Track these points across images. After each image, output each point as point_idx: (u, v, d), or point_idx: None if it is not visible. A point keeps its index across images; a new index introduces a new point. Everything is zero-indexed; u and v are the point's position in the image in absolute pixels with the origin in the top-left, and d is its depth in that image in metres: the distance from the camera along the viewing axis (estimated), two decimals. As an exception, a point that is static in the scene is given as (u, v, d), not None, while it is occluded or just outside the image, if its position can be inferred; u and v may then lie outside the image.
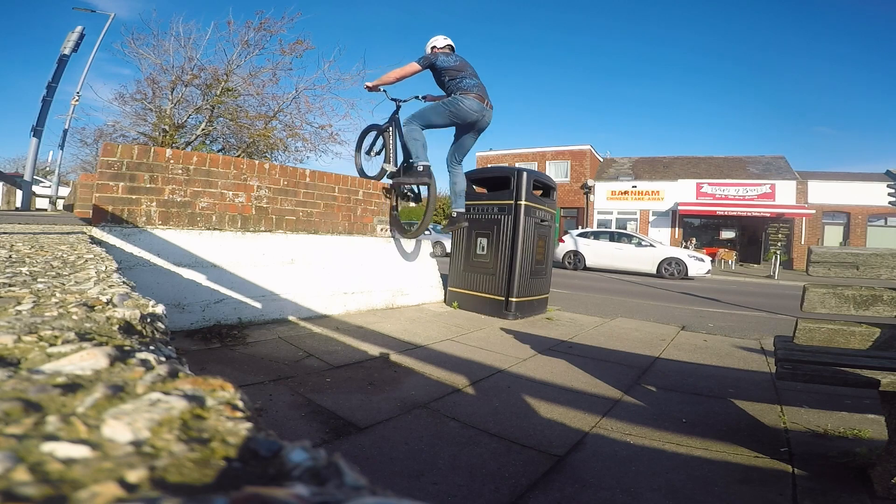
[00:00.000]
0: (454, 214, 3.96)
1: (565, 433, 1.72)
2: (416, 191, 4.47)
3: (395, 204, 4.46)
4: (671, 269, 11.65)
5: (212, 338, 2.64)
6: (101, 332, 0.50)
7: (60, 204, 11.37)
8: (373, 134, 4.63)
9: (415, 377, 2.25)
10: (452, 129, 3.94)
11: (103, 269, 1.05)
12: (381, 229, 4.27)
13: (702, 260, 11.95)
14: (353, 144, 5.05)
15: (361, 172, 4.71)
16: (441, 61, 3.64)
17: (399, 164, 4.20)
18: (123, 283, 0.86)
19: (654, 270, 11.85)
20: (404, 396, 1.97)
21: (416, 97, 4.18)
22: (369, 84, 3.84)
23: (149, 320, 0.60)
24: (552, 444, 1.61)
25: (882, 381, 1.33)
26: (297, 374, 2.15)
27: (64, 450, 0.24)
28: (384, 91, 4.01)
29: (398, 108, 4.19)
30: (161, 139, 10.29)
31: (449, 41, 3.90)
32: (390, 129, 4.25)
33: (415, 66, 3.64)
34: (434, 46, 3.87)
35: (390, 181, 4.27)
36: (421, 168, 3.66)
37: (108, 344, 0.45)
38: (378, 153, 4.59)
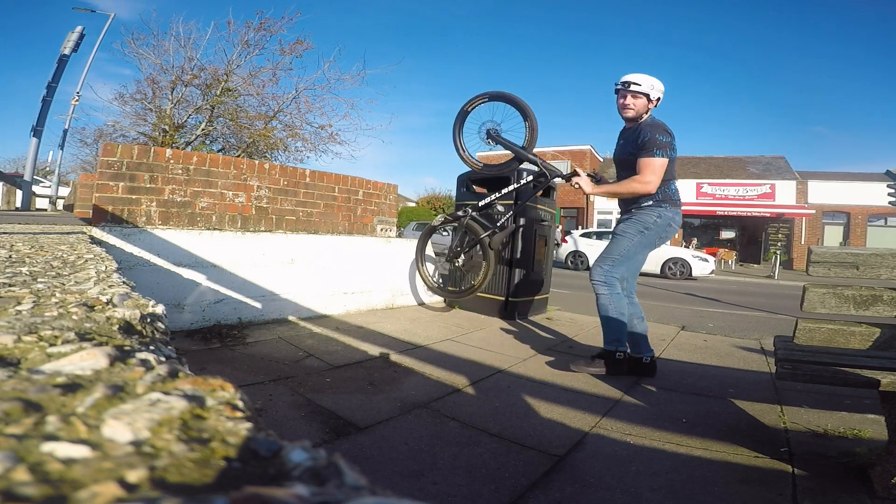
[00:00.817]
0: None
1: (565, 433, 1.72)
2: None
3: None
4: (675, 270, 11.65)
5: (212, 338, 2.64)
6: (101, 332, 0.50)
7: (60, 204, 11.37)
8: (496, 105, 3.25)
9: (415, 377, 2.25)
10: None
11: (103, 269, 1.05)
12: (381, 229, 4.26)
13: (706, 260, 11.96)
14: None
15: (470, 160, 3.49)
16: (672, 154, 2.42)
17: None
18: (123, 283, 0.86)
19: (657, 270, 11.85)
20: (404, 396, 1.97)
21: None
22: (588, 190, 2.61)
23: (149, 320, 0.60)
24: (552, 443, 1.61)
25: (882, 381, 1.33)
26: (297, 374, 2.15)
27: (64, 450, 0.24)
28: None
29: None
30: (161, 139, 10.28)
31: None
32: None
33: (665, 159, 2.38)
34: (659, 98, 2.50)
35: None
36: (621, 356, 2.45)
37: (108, 344, 0.45)
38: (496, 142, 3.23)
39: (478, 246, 3.45)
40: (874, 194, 18.52)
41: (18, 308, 0.58)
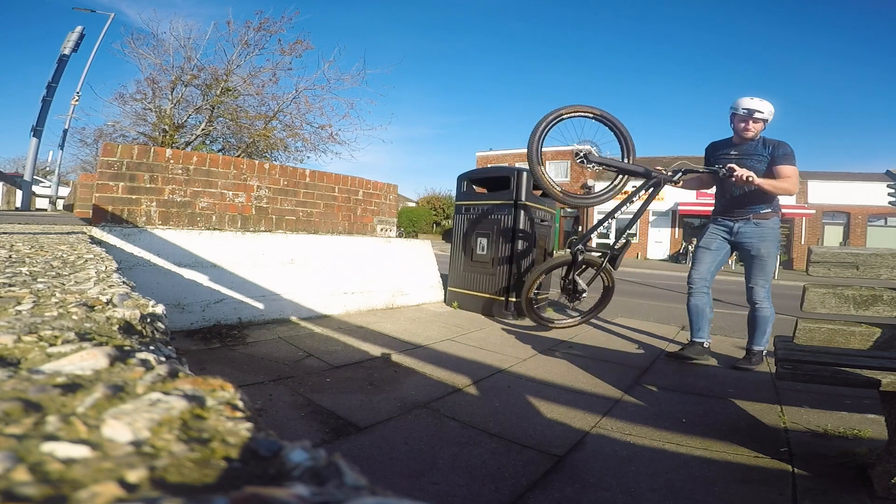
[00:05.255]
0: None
1: (565, 433, 1.71)
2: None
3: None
4: None
5: (212, 338, 2.64)
6: (101, 332, 0.50)
7: (60, 204, 11.38)
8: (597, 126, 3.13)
9: (415, 377, 2.25)
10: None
11: (103, 269, 1.05)
12: (381, 229, 4.26)
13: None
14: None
15: (553, 192, 3.15)
16: None
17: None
18: (123, 283, 0.86)
19: None
20: (404, 396, 1.97)
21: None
22: (757, 181, 2.66)
23: (149, 320, 0.60)
24: (552, 444, 1.61)
25: (882, 381, 1.33)
26: (297, 374, 2.15)
27: (64, 450, 0.24)
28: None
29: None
30: (161, 139, 10.28)
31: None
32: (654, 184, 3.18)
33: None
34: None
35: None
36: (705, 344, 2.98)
37: (108, 344, 0.45)
38: (603, 167, 3.12)
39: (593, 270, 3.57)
40: (874, 194, 18.51)
41: (18, 308, 0.58)
